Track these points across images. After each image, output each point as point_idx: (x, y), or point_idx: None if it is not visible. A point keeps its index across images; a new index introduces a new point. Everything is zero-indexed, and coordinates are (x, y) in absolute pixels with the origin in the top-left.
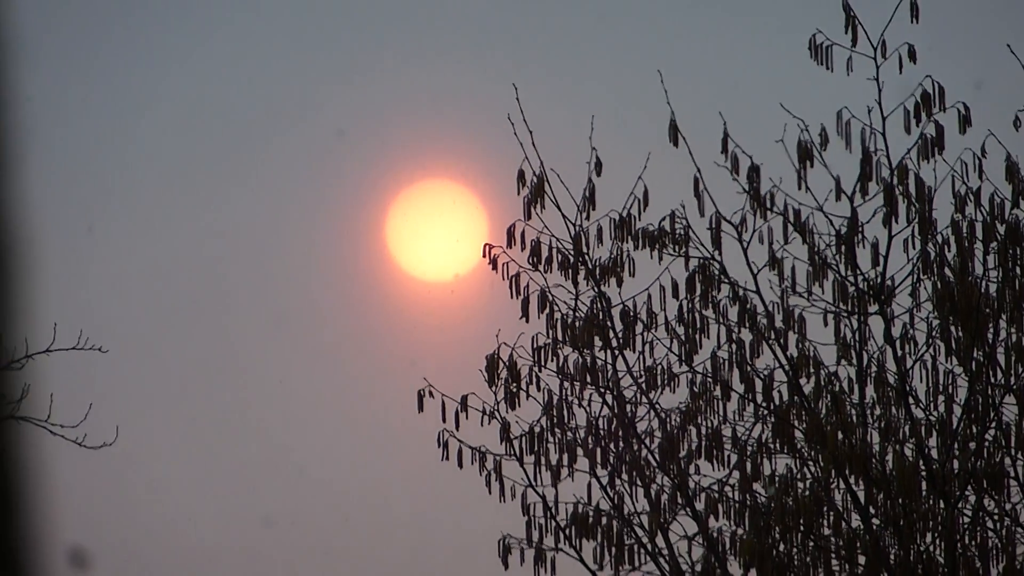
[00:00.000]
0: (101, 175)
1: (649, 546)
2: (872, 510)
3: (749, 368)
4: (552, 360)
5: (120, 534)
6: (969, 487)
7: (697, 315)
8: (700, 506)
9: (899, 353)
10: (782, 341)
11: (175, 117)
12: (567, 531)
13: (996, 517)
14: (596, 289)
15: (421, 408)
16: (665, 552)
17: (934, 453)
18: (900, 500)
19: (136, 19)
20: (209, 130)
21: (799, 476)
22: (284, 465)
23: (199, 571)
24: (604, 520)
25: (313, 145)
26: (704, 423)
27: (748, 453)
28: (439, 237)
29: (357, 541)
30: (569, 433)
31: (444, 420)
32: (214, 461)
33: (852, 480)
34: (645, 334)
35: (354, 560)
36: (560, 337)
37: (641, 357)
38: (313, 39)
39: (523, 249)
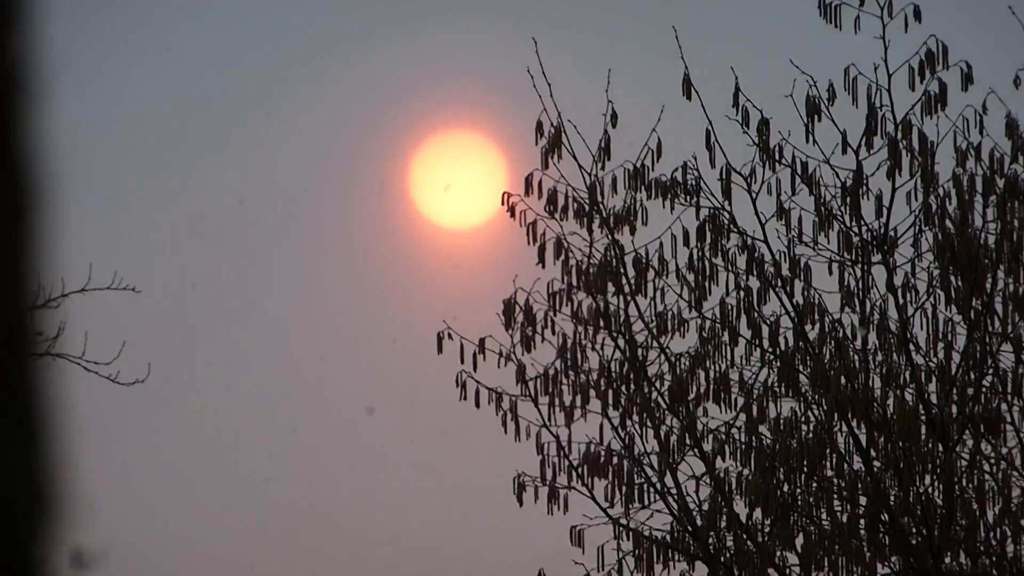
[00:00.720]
0: (139, 119)
1: (658, 485)
2: (873, 453)
3: (756, 315)
4: (567, 305)
5: (147, 473)
6: (967, 431)
7: (707, 263)
8: (708, 447)
9: (901, 302)
10: (788, 289)
11: (210, 70)
12: (579, 470)
13: (993, 461)
14: (610, 237)
15: (440, 350)
16: (674, 491)
17: (933, 398)
18: (900, 443)
19: None
20: (239, 84)
21: (803, 419)
22: (309, 397)
23: (222, 510)
24: (615, 460)
25: (338, 97)
26: (712, 367)
27: (754, 396)
28: (461, 186)
29: (375, 478)
30: (582, 376)
31: (462, 362)
32: (242, 397)
33: (854, 424)
34: (656, 281)
35: (373, 497)
36: (575, 283)
37: (652, 303)
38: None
39: (540, 198)
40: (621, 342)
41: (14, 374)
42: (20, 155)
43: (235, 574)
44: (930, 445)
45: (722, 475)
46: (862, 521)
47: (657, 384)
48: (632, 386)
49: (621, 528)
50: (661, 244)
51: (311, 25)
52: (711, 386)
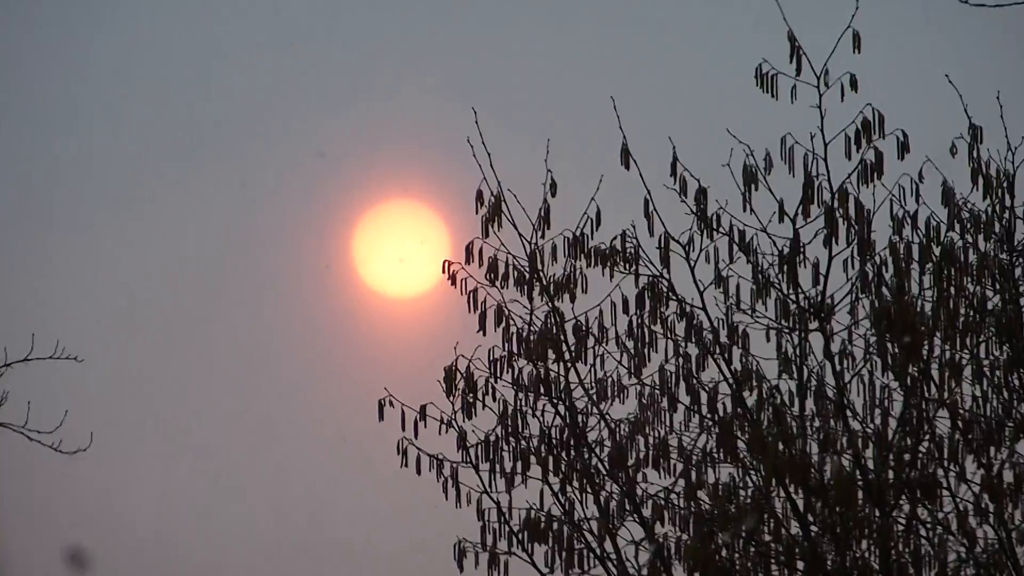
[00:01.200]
0: (72, 183)
1: (598, 550)
2: (811, 518)
3: (695, 381)
4: (507, 372)
5: (94, 534)
6: (903, 496)
7: (646, 330)
8: (647, 512)
9: (838, 368)
10: (726, 355)
11: (154, 130)
12: (520, 535)
13: (929, 525)
14: (550, 304)
15: (381, 417)
16: (613, 556)
17: (870, 464)
18: (837, 508)
19: (114, 30)
20: (187, 144)
21: (741, 484)
22: (254, 468)
23: (171, 571)
24: (555, 525)
25: (286, 168)
26: (652, 433)
27: (693, 462)
28: (404, 255)
29: (321, 543)
30: (523, 442)
31: (403, 428)
32: (184, 465)
33: (792, 489)
34: (596, 348)
35: (317, 561)
36: (515, 350)
37: (592, 369)
38: (286, 66)
39: (481, 266)
40: (561, 408)
41: None
42: None
43: None
44: (867, 510)
45: (661, 540)
46: None
47: (597, 450)
48: (572, 452)
49: None
50: (601, 311)
51: (256, 95)
52: (650, 452)
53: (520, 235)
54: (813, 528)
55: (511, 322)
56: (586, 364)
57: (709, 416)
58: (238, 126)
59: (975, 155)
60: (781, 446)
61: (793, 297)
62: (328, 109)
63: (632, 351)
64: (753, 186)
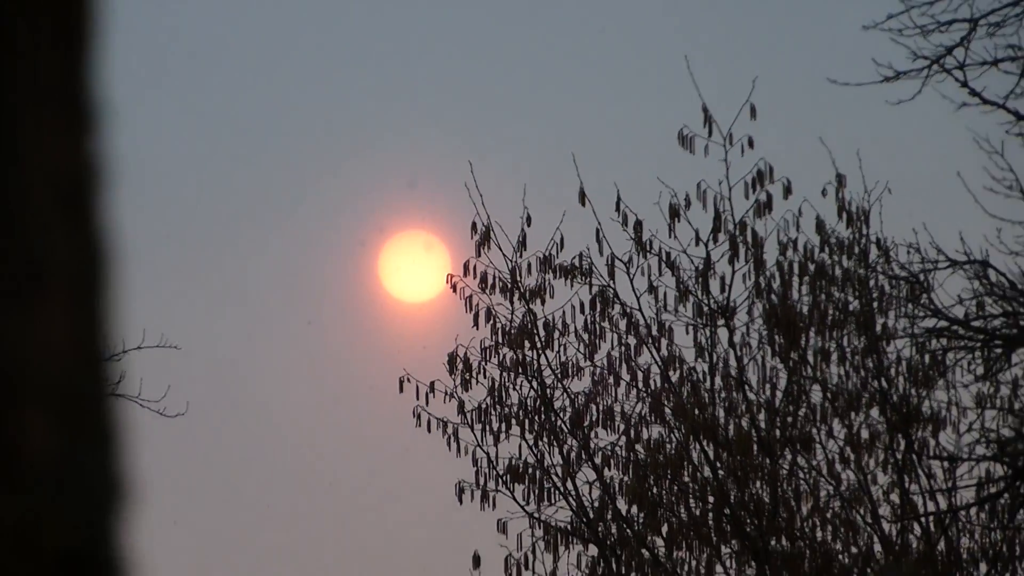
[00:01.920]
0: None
1: (562, 489)
2: (718, 464)
3: (633, 364)
4: (494, 356)
5: (187, 475)
6: (787, 448)
7: (597, 326)
8: (598, 461)
9: (738, 354)
10: (657, 345)
11: (251, 165)
12: (504, 478)
13: (806, 470)
14: (526, 307)
15: (401, 390)
16: (573, 493)
17: (763, 424)
18: (738, 457)
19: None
20: (254, 185)
21: (668, 440)
22: (310, 422)
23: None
24: (530, 470)
25: (329, 205)
26: (601, 402)
27: (632, 423)
28: (417, 270)
29: (349, 491)
30: (506, 408)
31: (417, 399)
32: (254, 426)
33: (705, 443)
34: (560, 338)
35: (346, 502)
36: (500, 340)
37: (557, 355)
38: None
39: (475, 278)
40: (535, 384)
41: (99, 400)
42: (99, 230)
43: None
44: (760, 458)
45: (608, 481)
46: (710, 514)
47: (561, 415)
48: (542, 416)
49: (535, 521)
50: (564, 312)
51: (304, 144)
52: (600, 416)
53: (504, 255)
54: (720, 472)
55: (497, 320)
56: (553, 351)
57: (643, 390)
58: (293, 171)
59: (840, 196)
60: (697, 412)
61: (706, 301)
62: (364, 158)
63: (587, 341)
64: (676, 219)
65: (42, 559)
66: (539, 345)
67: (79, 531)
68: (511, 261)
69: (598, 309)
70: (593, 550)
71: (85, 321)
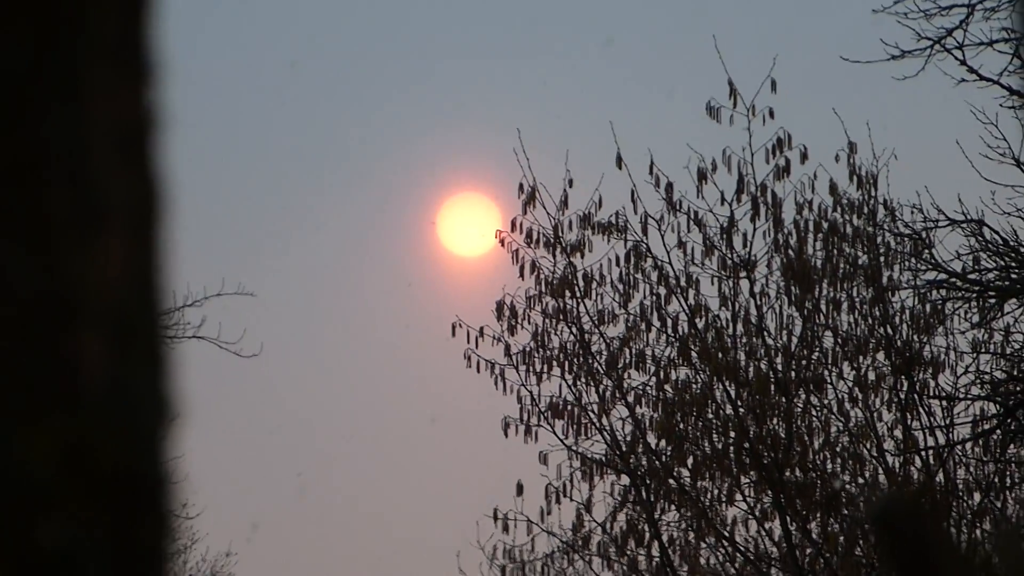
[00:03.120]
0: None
1: (597, 424)
2: (739, 403)
3: (663, 311)
4: (538, 304)
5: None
6: (801, 388)
7: (631, 277)
8: (630, 399)
9: (758, 303)
10: (685, 295)
11: (294, 150)
12: (546, 415)
13: (818, 408)
14: (567, 260)
15: (454, 334)
16: (608, 428)
17: (779, 366)
18: (757, 396)
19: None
20: (327, 165)
21: (694, 381)
22: (373, 359)
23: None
24: (569, 407)
25: (397, 173)
26: (634, 346)
27: (661, 366)
28: (471, 227)
29: (406, 418)
30: (548, 352)
31: (468, 342)
32: (321, 366)
33: (727, 383)
34: (598, 288)
35: (402, 438)
36: (543, 290)
37: (595, 303)
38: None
39: (521, 234)
40: (574, 329)
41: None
42: (155, 175)
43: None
44: (777, 397)
45: (640, 417)
46: (731, 448)
47: (598, 357)
48: (581, 358)
49: (573, 453)
50: (601, 265)
51: (381, 122)
52: (633, 359)
53: (548, 214)
54: (741, 410)
55: (540, 272)
56: (591, 300)
57: (672, 335)
58: (365, 147)
59: (851, 162)
60: (720, 355)
61: (729, 256)
62: (432, 129)
63: (621, 291)
64: (704, 181)
65: (97, 475)
66: (578, 294)
67: (130, 449)
68: (554, 219)
69: (632, 262)
70: (625, 480)
71: (141, 256)
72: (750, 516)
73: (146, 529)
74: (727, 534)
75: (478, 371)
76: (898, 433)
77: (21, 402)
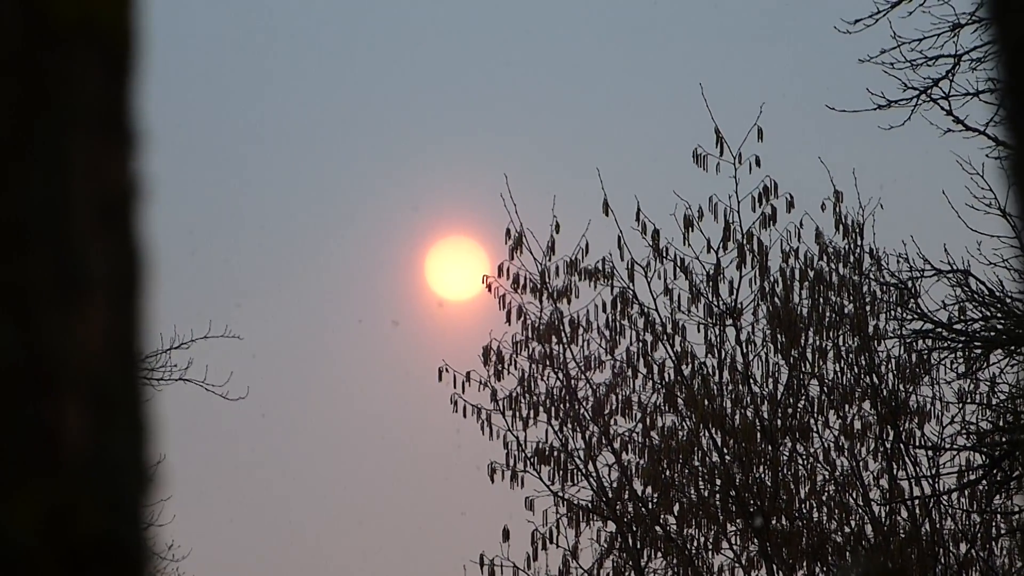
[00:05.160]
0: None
1: (584, 470)
2: (725, 450)
3: (649, 358)
4: (525, 350)
5: (246, 448)
6: (787, 437)
7: (617, 323)
8: (617, 446)
9: (744, 351)
10: (671, 341)
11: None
12: (532, 460)
13: (804, 457)
14: (554, 305)
15: (440, 379)
16: (594, 475)
17: (765, 414)
18: (743, 444)
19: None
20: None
21: (680, 428)
22: (359, 408)
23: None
24: (555, 453)
25: (387, 216)
26: (620, 393)
27: (647, 412)
28: (457, 272)
29: (392, 468)
30: (534, 397)
31: (455, 386)
32: (306, 404)
33: (713, 431)
34: (584, 334)
35: (387, 481)
36: (530, 335)
37: (581, 349)
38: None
39: (508, 279)
40: (560, 375)
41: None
42: (137, 243)
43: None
44: (763, 445)
45: (626, 464)
46: (718, 495)
47: (584, 403)
48: (567, 404)
49: (559, 499)
50: (588, 311)
51: (362, 165)
52: (619, 405)
53: (535, 259)
54: (727, 457)
55: (527, 317)
56: (577, 345)
57: (658, 382)
58: (351, 189)
59: (837, 210)
60: (706, 402)
61: (716, 303)
62: (418, 172)
63: (608, 337)
64: (690, 228)
65: (76, 541)
66: (565, 340)
67: (110, 516)
68: (541, 264)
69: (619, 308)
70: (611, 526)
71: (121, 323)
72: (736, 564)
73: None
74: None
75: (464, 416)
76: (884, 482)
77: (2, 470)
